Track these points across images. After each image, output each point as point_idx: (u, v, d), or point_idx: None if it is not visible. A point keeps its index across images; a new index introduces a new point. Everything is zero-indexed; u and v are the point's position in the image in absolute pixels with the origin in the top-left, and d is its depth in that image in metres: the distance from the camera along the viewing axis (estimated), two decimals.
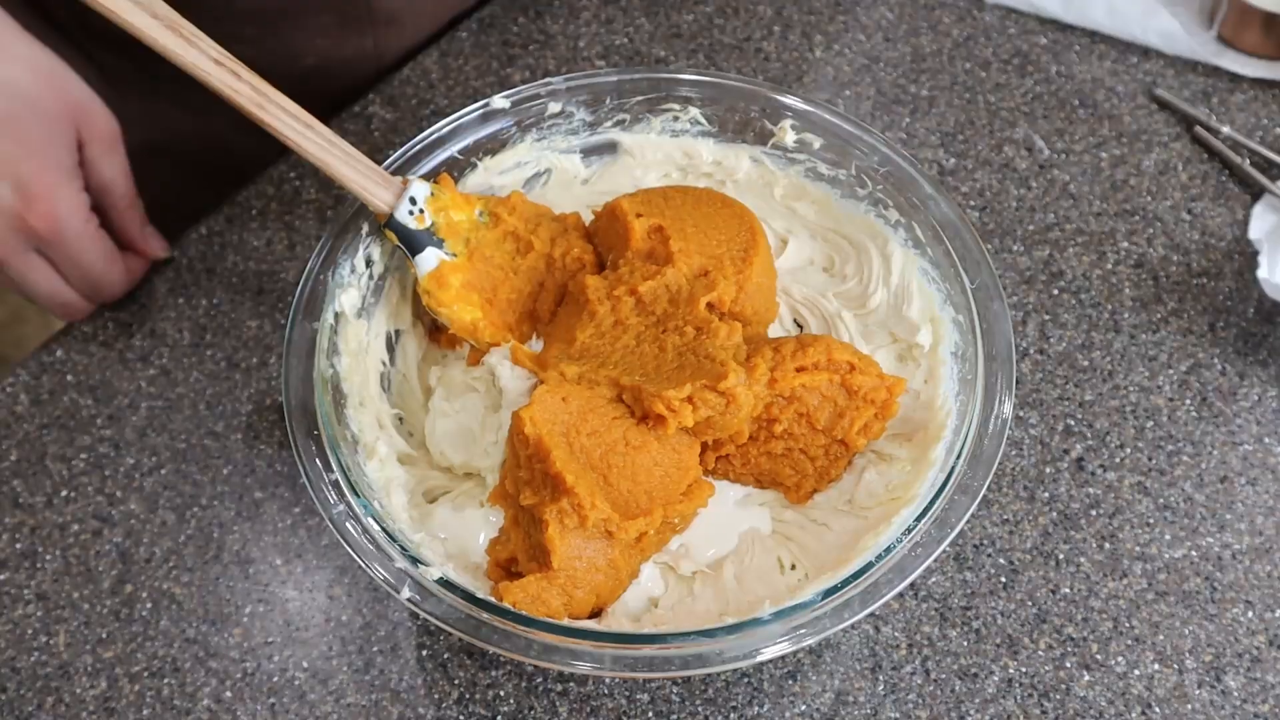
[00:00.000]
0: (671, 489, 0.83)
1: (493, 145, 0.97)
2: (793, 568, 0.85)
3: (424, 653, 0.91)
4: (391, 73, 1.22)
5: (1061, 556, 0.95)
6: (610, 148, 1.01)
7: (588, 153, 1.01)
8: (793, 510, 0.88)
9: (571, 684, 0.90)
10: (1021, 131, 1.17)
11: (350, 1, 1.15)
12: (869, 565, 0.77)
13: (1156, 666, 0.90)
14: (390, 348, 0.94)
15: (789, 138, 0.98)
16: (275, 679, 0.90)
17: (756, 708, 0.89)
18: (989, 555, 0.95)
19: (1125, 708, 0.89)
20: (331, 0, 1.15)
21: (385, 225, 0.90)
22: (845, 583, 0.76)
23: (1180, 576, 0.94)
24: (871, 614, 0.90)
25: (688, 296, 0.88)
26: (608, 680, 0.90)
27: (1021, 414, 1.01)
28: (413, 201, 0.90)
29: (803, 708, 0.89)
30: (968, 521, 0.86)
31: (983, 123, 1.18)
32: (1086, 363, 1.04)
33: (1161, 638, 0.92)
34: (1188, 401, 1.02)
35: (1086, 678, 0.90)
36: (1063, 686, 0.90)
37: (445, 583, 0.77)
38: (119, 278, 1.05)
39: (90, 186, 1.02)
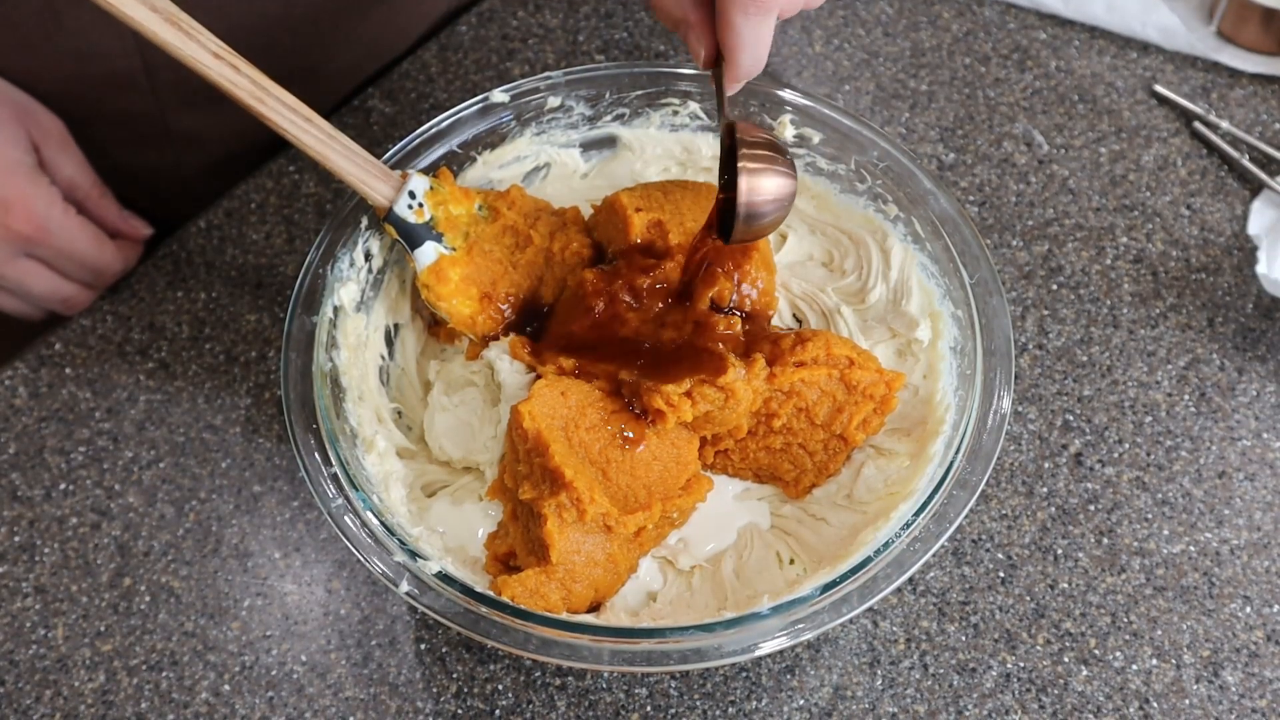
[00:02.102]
0: (670, 483, 0.83)
1: (492, 139, 0.97)
2: (791, 562, 0.85)
3: (422, 646, 0.91)
4: (391, 67, 1.22)
5: (1060, 552, 0.95)
6: (609, 142, 1.01)
7: (587, 147, 1.01)
8: (791, 505, 0.88)
9: (570, 678, 0.90)
10: (1021, 127, 1.17)
11: (146, 121, 1.13)
12: (867, 560, 0.77)
13: (1154, 662, 0.91)
14: (389, 342, 0.94)
15: (788, 132, 0.98)
16: (274, 672, 0.90)
17: (755, 702, 0.89)
18: (987, 550, 0.95)
19: (1123, 703, 0.89)
20: (124, 118, 1.12)
21: (384, 219, 0.90)
22: (844, 577, 0.77)
23: (1178, 572, 0.94)
24: (870, 609, 0.90)
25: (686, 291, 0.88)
26: (606, 674, 0.90)
27: (1020, 409, 1.01)
28: (412, 195, 0.90)
29: (801, 702, 0.89)
30: (966, 516, 0.86)
31: (982, 118, 1.18)
32: (1085, 358, 1.04)
33: (1159, 633, 0.92)
34: (1186, 397, 1.02)
35: (1084, 673, 0.90)
36: (1061, 681, 0.90)
37: (444, 577, 0.77)
38: (114, 257, 1.06)
39: (55, 185, 1.02)
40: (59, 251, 1.01)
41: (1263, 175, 1.12)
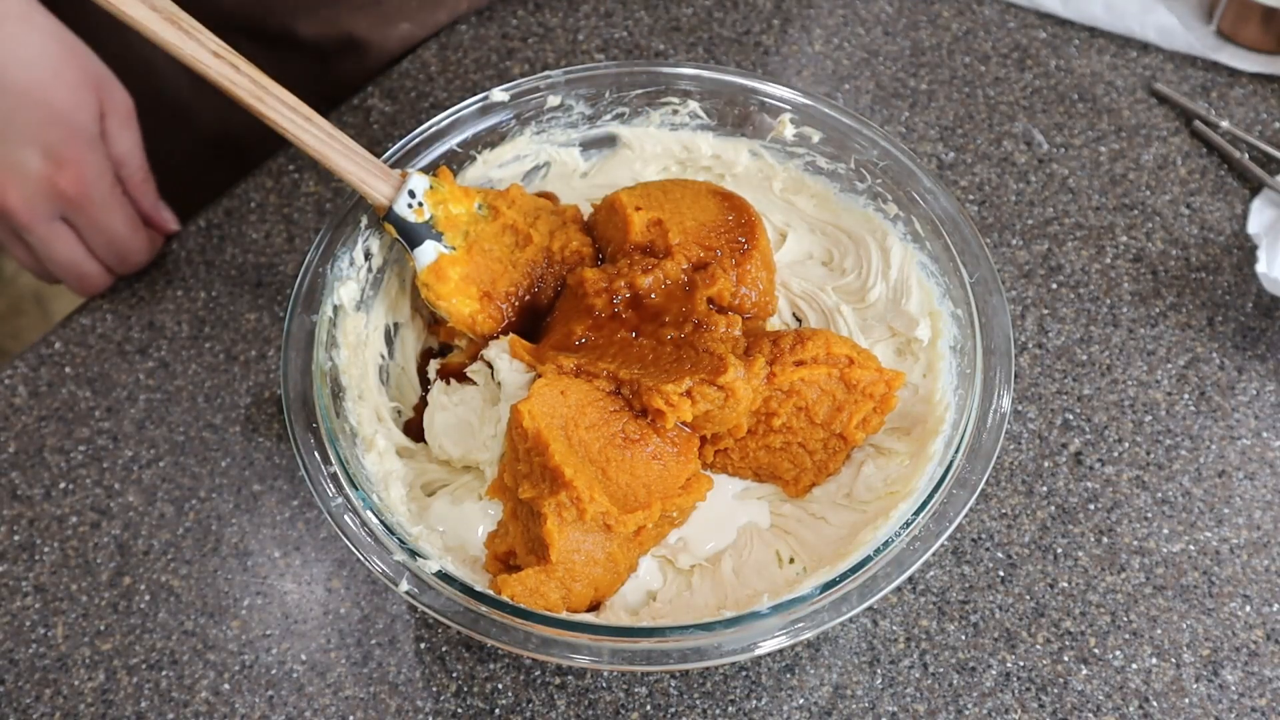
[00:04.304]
0: (670, 482, 0.83)
1: (492, 138, 0.97)
2: (791, 561, 0.85)
3: (422, 645, 0.91)
4: (390, 66, 1.22)
5: (1060, 551, 0.95)
6: (609, 141, 1.01)
7: (587, 146, 1.01)
8: (791, 504, 0.88)
9: (570, 677, 0.90)
10: (1021, 126, 1.17)
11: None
12: (867, 559, 0.77)
13: (1154, 660, 0.91)
14: (389, 340, 0.94)
15: (788, 131, 0.98)
16: (273, 671, 0.90)
17: (755, 701, 0.89)
18: (987, 549, 0.95)
19: (1123, 701, 0.89)
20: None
21: (384, 218, 0.90)
22: (843, 576, 0.77)
23: (1178, 571, 0.94)
24: (869, 608, 0.90)
25: (686, 290, 0.88)
26: (606, 673, 0.90)
27: (1020, 408, 1.01)
28: (411, 194, 0.90)
29: (800, 701, 0.89)
30: (966, 515, 0.86)
31: (982, 117, 1.18)
32: (1085, 357, 1.04)
33: (1159, 632, 0.92)
34: (1186, 396, 1.02)
35: (1084, 671, 0.90)
36: (1060, 680, 0.90)
37: (443, 576, 0.77)
38: (143, 245, 1.07)
39: (108, 158, 1.03)
40: (94, 224, 1.02)
41: (1262, 174, 1.12)
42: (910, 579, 0.93)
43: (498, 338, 0.91)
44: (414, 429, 0.91)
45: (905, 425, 0.89)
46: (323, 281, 0.88)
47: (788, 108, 0.97)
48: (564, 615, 0.79)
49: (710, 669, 0.90)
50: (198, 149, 1.28)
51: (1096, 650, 0.91)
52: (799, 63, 1.22)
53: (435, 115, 0.96)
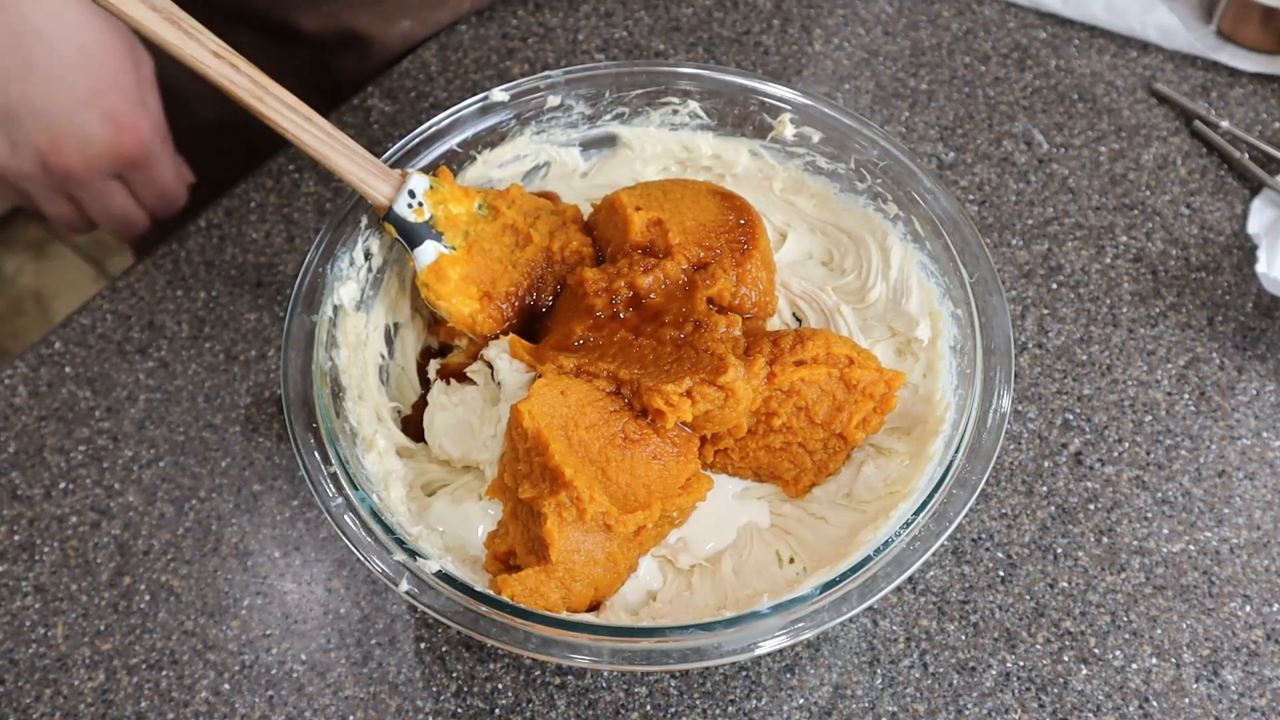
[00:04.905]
0: (670, 482, 0.83)
1: (492, 138, 0.97)
2: (791, 561, 0.85)
3: (422, 645, 0.91)
4: (390, 66, 1.22)
5: (1060, 550, 0.95)
6: (609, 141, 1.01)
7: (587, 146, 1.01)
8: (791, 504, 0.88)
9: (570, 677, 0.90)
10: (1021, 126, 1.17)
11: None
12: (867, 559, 0.77)
13: (1154, 660, 0.91)
14: (389, 340, 0.94)
15: (788, 131, 0.98)
16: (273, 671, 0.90)
17: (755, 701, 0.89)
18: (987, 549, 0.95)
19: (1123, 701, 0.89)
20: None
21: (384, 218, 0.90)
22: (843, 576, 0.77)
23: (1178, 571, 0.94)
24: (869, 608, 0.90)
25: (686, 290, 0.88)
26: (606, 673, 0.90)
27: (1020, 408, 1.01)
28: (411, 194, 0.90)
29: (800, 701, 0.89)
30: (966, 515, 0.86)
31: (982, 117, 1.18)
32: (1085, 357, 1.04)
33: (1159, 632, 0.92)
34: (1186, 396, 1.02)
35: (1084, 671, 0.90)
36: (1060, 680, 0.90)
37: (443, 576, 0.77)
38: (184, 191, 1.15)
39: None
40: (148, 177, 1.10)
41: (1262, 174, 1.12)
42: (910, 579, 0.93)
43: (498, 338, 0.91)
44: (414, 429, 0.91)
45: (905, 425, 0.89)
46: (323, 281, 0.88)
47: (788, 108, 0.97)
48: (564, 615, 0.79)
49: (710, 669, 0.90)
50: (198, 134, 1.28)
51: (1096, 650, 0.91)
52: (799, 62, 1.22)
53: (435, 115, 0.96)
